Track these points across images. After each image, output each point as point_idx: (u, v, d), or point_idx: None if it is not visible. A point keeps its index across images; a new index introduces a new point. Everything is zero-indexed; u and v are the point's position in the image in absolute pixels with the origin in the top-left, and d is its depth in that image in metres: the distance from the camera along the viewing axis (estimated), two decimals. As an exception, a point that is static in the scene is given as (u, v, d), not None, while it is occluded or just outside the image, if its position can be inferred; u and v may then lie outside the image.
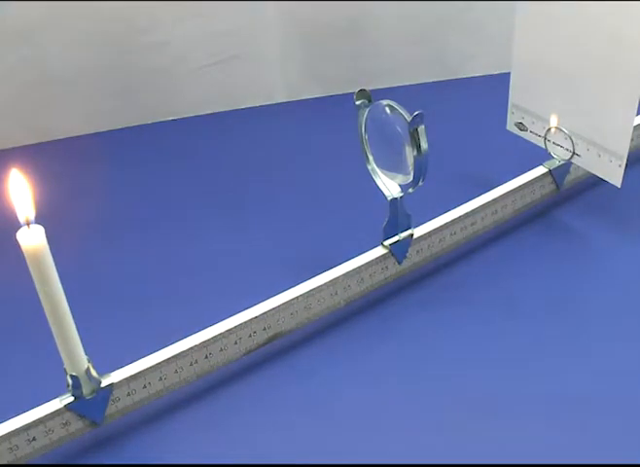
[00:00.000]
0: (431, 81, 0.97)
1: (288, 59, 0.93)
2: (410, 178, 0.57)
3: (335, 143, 0.83)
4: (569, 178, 0.73)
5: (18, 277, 0.50)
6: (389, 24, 0.92)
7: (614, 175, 0.66)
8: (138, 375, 0.54)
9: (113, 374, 0.54)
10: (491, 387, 0.58)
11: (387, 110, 0.57)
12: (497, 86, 0.76)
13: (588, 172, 0.71)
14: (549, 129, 0.70)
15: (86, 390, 0.52)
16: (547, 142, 0.71)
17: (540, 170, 0.71)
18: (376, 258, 0.63)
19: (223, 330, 0.57)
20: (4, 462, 0.51)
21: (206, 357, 0.57)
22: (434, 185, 0.60)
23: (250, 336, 0.58)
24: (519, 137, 0.74)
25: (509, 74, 0.72)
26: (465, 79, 0.98)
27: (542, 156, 0.72)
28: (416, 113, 0.54)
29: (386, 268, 0.64)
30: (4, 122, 0.87)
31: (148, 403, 0.56)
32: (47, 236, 0.45)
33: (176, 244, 0.73)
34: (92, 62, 0.87)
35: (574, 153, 0.69)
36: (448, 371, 0.59)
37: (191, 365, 0.56)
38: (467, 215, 0.67)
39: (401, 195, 0.60)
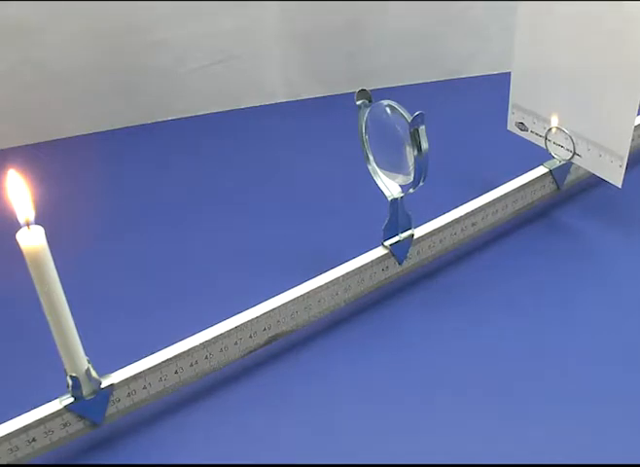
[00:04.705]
0: (431, 81, 0.97)
1: (288, 59, 0.93)
2: (411, 178, 0.57)
3: (335, 143, 0.83)
4: (570, 178, 0.73)
5: (18, 277, 0.50)
6: (389, 24, 0.92)
7: (614, 175, 0.66)
8: (138, 375, 0.54)
9: (113, 374, 0.53)
10: (492, 387, 0.58)
11: (388, 110, 0.57)
12: (497, 86, 0.76)
13: (589, 172, 0.71)
14: (549, 129, 0.70)
15: (86, 391, 0.52)
16: (547, 142, 0.71)
17: (540, 170, 0.71)
18: (377, 258, 0.63)
19: (223, 330, 0.57)
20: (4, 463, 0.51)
21: (206, 358, 0.57)
22: (434, 185, 0.60)
23: (250, 336, 0.58)
24: (520, 137, 0.74)
25: (509, 74, 0.72)
26: (465, 79, 0.98)
27: (542, 156, 0.72)
28: (417, 113, 0.53)
29: (387, 268, 0.64)
30: (4, 122, 0.87)
31: (148, 403, 0.56)
32: (47, 237, 0.45)
33: (176, 244, 0.73)
34: (92, 62, 0.87)
35: (574, 153, 0.69)
36: (449, 371, 0.59)
37: (191, 365, 0.56)
38: (467, 215, 0.67)
39: (401, 195, 0.60)
